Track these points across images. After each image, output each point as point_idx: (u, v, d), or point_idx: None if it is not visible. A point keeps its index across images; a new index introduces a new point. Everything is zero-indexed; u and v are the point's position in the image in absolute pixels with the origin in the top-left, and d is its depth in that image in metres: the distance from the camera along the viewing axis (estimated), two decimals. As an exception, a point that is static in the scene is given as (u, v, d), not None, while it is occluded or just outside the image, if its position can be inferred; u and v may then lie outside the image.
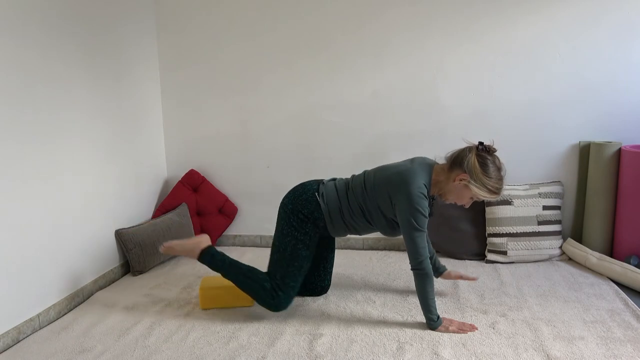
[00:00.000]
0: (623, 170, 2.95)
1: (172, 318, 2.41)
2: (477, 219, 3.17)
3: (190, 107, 3.52)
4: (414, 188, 2.15)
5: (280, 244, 2.35)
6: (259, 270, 2.36)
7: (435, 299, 2.29)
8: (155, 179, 3.47)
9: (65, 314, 2.51)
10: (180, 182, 3.48)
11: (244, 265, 2.36)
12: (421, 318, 2.34)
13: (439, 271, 2.59)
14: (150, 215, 3.38)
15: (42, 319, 2.38)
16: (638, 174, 2.82)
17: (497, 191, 2.15)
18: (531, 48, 3.13)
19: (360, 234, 2.43)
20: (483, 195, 2.15)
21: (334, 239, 2.59)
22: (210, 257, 2.35)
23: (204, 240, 2.40)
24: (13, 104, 2.21)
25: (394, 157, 3.32)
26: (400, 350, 2.06)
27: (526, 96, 3.18)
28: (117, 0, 2.98)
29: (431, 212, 2.34)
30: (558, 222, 3.10)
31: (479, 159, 2.13)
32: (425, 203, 2.17)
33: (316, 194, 2.36)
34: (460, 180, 2.15)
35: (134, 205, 3.19)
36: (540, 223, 3.05)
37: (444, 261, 3.11)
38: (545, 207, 3.08)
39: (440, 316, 2.25)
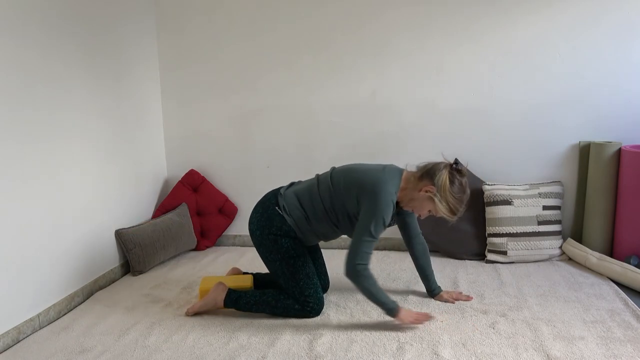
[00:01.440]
0: (623, 170, 2.95)
1: (172, 318, 2.41)
2: (477, 219, 3.17)
3: (190, 107, 3.52)
4: (384, 193, 2.16)
5: (275, 270, 2.37)
6: (282, 294, 2.37)
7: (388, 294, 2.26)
8: (155, 179, 3.47)
9: (65, 314, 2.51)
10: (180, 182, 3.48)
11: (267, 295, 2.37)
12: (421, 318, 2.34)
13: (434, 292, 2.55)
14: (150, 215, 3.38)
15: (42, 319, 2.37)
16: (638, 174, 2.82)
17: (456, 211, 2.17)
18: (531, 48, 3.13)
19: (327, 240, 2.44)
20: (442, 211, 2.16)
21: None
22: (235, 304, 2.38)
23: (219, 289, 2.41)
24: (13, 104, 2.21)
25: (394, 157, 3.32)
26: (400, 350, 2.06)
27: (526, 96, 3.18)
28: (117, 0, 2.98)
29: (392, 222, 2.33)
30: (558, 222, 3.10)
31: (450, 177, 2.14)
32: (390, 211, 2.17)
33: (277, 207, 2.35)
34: (426, 192, 2.16)
35: (134, 205, 3.19)
36: (540, 223, 3.05)
37: (444, 261, 3.11)
38: (545, 207, 3.07)
39: (400, 307, 2.22)
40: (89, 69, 2.73)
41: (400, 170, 2.29)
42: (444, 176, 2.14)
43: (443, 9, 3.16)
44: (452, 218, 2.19)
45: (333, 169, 2.39)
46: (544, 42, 3.12)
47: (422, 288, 2.68)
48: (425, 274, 2.54)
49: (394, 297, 2.58)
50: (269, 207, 2.37)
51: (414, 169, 2.28)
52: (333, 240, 3.43)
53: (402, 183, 2.24)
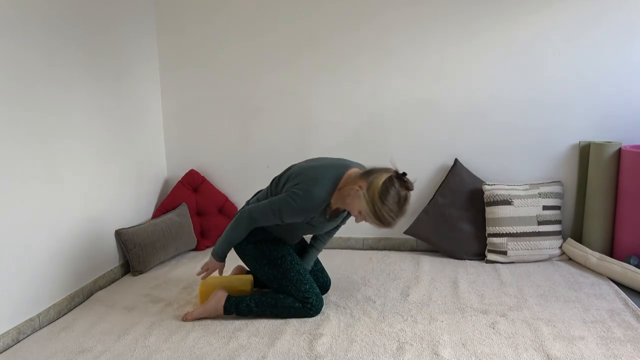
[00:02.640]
0: (623, 170, 2.95)
1: (172, 318, 2.41)
2: (477, 219, 3.17)
3: (190, 107, 3.52)
4: (312, 196, 2.14)
5: (267, 276, 2.38)
6: (281, 293, 2.37)
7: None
8: (155, 179, 3.47)
9: (65, 314, 2.51)
10: (180, 182, 3.48)
11: (266, 296, 2.37)
12: (421, 318, 2.34)
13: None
14: (150, 215, 3.38)
15: (42, 319, 2.37)
16: (638, 174, 2.82)
17: (382, 219, 2.05)
18: (531, 48, 3.13)
19: (303, 235, 2.46)
20: (367, 214, 2.06)
21: (299, 241, 2.60)
22: (236, 309, 2.37)
23: (219, 296, 2.40)
24: (13, 104, 2.21)
25: (395, 157, 3.33)
26: (400, 350, 2.06)
27: (526, 96, 3.18)
28: (117, 0, 2.98)
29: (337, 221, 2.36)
30: (558, 222, 3.10)
31: (387, 182, 2.03)
32: (303, 215, 2.18)
33: None
34: (359, 188, 2.07)
35: (134, 205, 3.19)
36: (540, 223, 3.05)
37: (444, 261, 3.11)
38: (545, 207, 3.07)
39: (219, 260, 2.36)
40: (89, 69, 2.73)
41: (343, 171, 2.21)
42: (379, 178, 2.04)
43: (443, 9, 3.16)
44: (379, 225, 2.07)
45: (291, 166, 2.39)
46: (544, 42, 3.12)
47: (422, 288, 2.69)
48: (312, 242, 2.57)
49: (393, 297, 2.59)
50: None
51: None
52: (334, 240, 3.44)
53: (342, 181, 2.18)
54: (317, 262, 2.64)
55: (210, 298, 2.41)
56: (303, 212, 2.19)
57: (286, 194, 2.19)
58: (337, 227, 2.55)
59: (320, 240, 2.57)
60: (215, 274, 2.98)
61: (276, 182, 2.35)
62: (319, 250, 2.57)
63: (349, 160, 2.33)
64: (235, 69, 3.43)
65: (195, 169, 3.56)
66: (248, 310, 2.36)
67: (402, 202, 2.06)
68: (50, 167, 2.44)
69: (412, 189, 2.09)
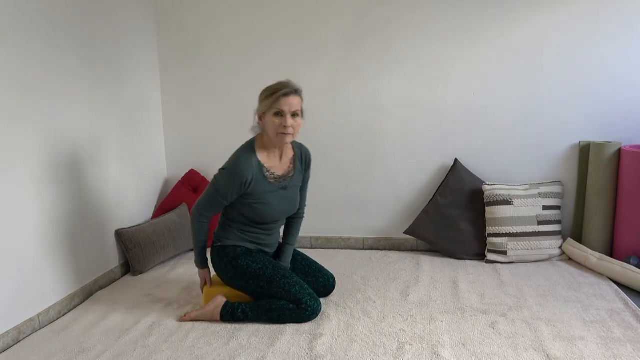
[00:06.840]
0: (623, 170, 2.95)
1: (172, 318, 2.41)
2: (477, 219, 3.17)
3: (190, 107, 3.52)
4: (235, 160, 2.34)
5: (255, 290, 2.38)
6: (276, 299, 2.36)
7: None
8: (155, 179, 3.47)
9: (65, 314, 2.51)
10: (180, 182, 3.48)
11: (262, 301, 2.36)
12: (421, 318, 2.34)
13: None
14: (150, 215, 3.38)
15: (42, 319, 2.37)
16: (638, 174, 2.82)
17: (273, 91, 2.35)
18: (531, 48, 3.13)
19: (274, 223, 2.48)
20: (268, 106, 2.34)
21: (276, 248, 2.61)
22: (231, 315, 2.36)
23: (219, 301, 2.39)
24: (14, 104, 2.21)
25: (395, 157, 3.33)
26: (400, 350, 2.06)
27: (526, 96, 3.18)
28: (117, 0, 2.98)
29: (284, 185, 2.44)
30: (558, 222, 3.10)
31: (263, 103, 2.39)
32: (241, 176, 2.28)
33: (214, 244, 2.49)
34: (259, 119, 2.40)
35: (134, 205, 3.19)
36: (540, 223, 3.05)
37: (444, 261, 3.11)
38: (545, 207, 3.07)
39: (202, 269, 2.49)
40: (89, 69, 2.73)
41: (253, 139, 2.47)
42: (258, 108, 2.41)
43: (444, 9, 3.16)
44: (280, 95, 2.36)
45: None
46: (544, 42, 3.12)
47: (422, 288, 2.69)
48: (284, 240, 2.61)
49: (393, 297, 2.59)
50: (211, 249, 2.51)
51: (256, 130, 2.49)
52: (334, 241, 3.44)
53: (258, 142, 2.43)
54: (313, 263, 2.62)
55: (210, 302, 2.41)
56: (236, 176, 2.29)
57: (220, 169, 2.37)
58: (300, 215, 2.60)
59: (290, 234, 2.60)
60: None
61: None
62: (293, 245, 2.60)
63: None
64: (235, 68, 3.43)
65: (195, 169, 3.55)
66: (244, 316, 2.34)
67: (270, 85, 2.41)
68: (50, 166, 2.44)
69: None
